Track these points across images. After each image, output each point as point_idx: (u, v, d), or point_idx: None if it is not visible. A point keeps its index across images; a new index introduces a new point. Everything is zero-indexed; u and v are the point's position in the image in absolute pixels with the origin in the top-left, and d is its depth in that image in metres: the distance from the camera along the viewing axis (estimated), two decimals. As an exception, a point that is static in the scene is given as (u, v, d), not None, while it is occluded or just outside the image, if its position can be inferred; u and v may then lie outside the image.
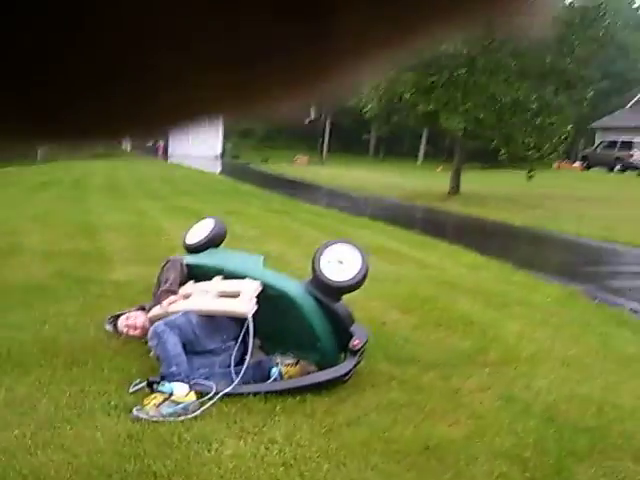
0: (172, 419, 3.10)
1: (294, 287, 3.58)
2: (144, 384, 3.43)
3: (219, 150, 50.72)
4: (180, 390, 3.21)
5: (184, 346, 3.48)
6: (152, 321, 4.19)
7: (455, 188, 23.16)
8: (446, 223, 16.53)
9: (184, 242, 4.43)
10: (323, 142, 57.28)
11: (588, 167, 36.27)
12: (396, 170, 41.82)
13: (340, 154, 59.25)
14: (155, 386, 3.37)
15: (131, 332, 4.29)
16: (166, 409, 3.14)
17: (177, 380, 3.27)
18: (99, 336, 4.29)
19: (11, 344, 4.00)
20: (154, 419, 3.07)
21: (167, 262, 4.31)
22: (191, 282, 4.05)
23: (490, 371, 4.09)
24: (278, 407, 3.31)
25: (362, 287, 3.81)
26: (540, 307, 5.90)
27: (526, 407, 3.53)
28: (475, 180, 28.19)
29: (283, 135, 69.22)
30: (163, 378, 3.30)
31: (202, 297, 3.69)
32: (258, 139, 65.66)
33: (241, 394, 3.39)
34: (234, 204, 14.49)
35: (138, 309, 4.59)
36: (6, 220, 9.59)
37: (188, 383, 3.29)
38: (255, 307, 3.52)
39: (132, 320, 4.31)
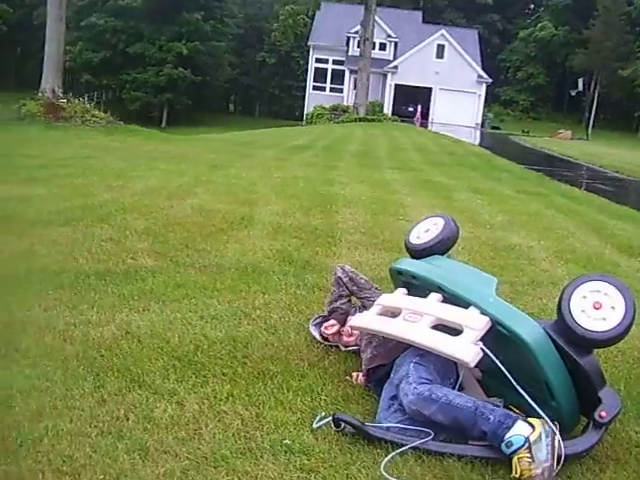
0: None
1: (531, 330, 2.74)
2: (329, 419, 2.84)
3: (479, 119, 49.04)
4: (522, 427, 2.64)
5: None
6: (352, 329, 3.60)
7: None
8: None
9: (407, 240, 3.67)
10: (590, 116, 53.23)
11: None
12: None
13: (606, 130, 54.67)
14: (343, 425, 2.77)
15: (345, 339, 3.69)
16: (542, 454, 2.56)
17: (499, 425, 2.67)
18: (298, 341, 3.77)
19: (201, 342, 3.61)
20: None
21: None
22: (401, 291, 3.36)
23: None
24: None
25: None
26: None
27: None
28: None
29: (547, 106, 65.40)
30: (496, 436, 2.66)
31: (415, 324, 2.98)
32: (521, 109, 62.66)
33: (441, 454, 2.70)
34: (485, 182, 13.51)
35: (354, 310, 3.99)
36: (251, 186, 9.57)
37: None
38: (480, 355, 2.75)
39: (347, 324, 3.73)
